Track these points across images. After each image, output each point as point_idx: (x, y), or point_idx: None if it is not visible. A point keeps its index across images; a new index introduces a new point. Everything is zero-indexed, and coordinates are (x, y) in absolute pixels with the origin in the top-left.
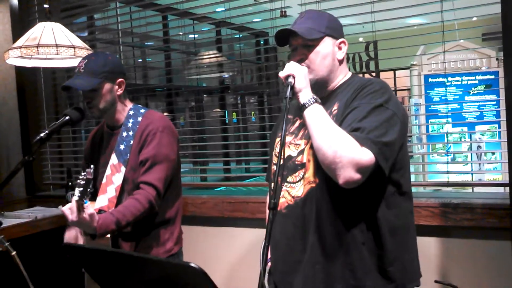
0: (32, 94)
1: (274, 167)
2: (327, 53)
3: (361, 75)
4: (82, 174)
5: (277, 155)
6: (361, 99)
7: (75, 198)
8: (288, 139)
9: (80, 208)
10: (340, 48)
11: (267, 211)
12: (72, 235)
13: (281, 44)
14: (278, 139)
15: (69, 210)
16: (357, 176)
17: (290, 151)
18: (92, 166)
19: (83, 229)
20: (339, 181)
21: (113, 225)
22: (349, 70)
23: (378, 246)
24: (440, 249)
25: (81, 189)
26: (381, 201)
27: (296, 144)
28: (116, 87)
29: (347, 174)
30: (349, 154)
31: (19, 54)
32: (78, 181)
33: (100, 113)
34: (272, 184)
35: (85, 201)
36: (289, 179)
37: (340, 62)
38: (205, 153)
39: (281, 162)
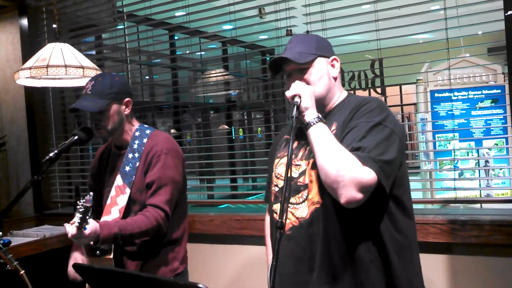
0: (41, 113)
1: (275, 188)
2: (322, 73)
3: (357, 93)
4: (81, 201)
5: (278, 176)
6: (358, 118)
7: (76, 224)
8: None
9: (81, 232)
10: (333, 66)
11: (266, 231)
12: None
13: (275, 72)
14: (277, 160)
15: (70, 226)
16: (359, 195)
17: (291, 172)
18: (91, 193)
19: (86, 242)
20: (341, 201)
21: (116, 228)
22: (355, 87)
23: (384, 263)
24: (448, 266)
25: (81, 216)
26: (384, 218)
27: (297, 165)
28: (124, 107)
29: (348, 194)
30: (351, 173)
31: (29, 74)
32: (78, 207)
33: (108, 134)
34: (275, 205)
35: (85, 227)
36: (292, 200)
37: (335, 79)
38: (212, 170)
39: (287, 183)
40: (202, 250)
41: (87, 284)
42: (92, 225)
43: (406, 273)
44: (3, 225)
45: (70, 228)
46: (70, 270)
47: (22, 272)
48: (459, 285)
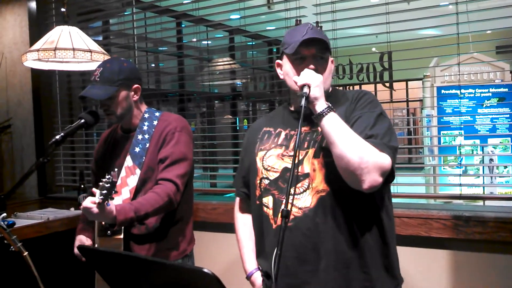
0: (47, 97)
1: (264, 181)
2: (332, 67)
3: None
4: (107, 177)
5: (268, 168)
6: (361, 108)
7: (97, 200)
8: (278, 151)
9: (102, 209)
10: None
11: (238, 226)
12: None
13: (293, 52)
14: (262, 152)
15: (86, 209)
16: (380, 179)
17: (285, 163)
18: (116, 169)
19: (102, 220)
20: (364, 186)
21: (131, 212)
22: (363, 80)
23: (384, 245)
24: (450, 262)
25: (105, 191)
26: (382, 203)
27: (290, 156)
28: (132, 93)
29: (372, 178)
30: (374, 159)
31: (36, 57)
32: (102, 183)
33: (117, 119)
34: (265, 198)
35: (107, 203)
36: (292, 190)
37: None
38: (216, 159)
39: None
40: (205, 238)
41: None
42: (110, 206)
43: (396, 256)
44: (7, 207)
45: (89, 203)
46: (76, 250)
47: (26, 253)
48: (461, 280)
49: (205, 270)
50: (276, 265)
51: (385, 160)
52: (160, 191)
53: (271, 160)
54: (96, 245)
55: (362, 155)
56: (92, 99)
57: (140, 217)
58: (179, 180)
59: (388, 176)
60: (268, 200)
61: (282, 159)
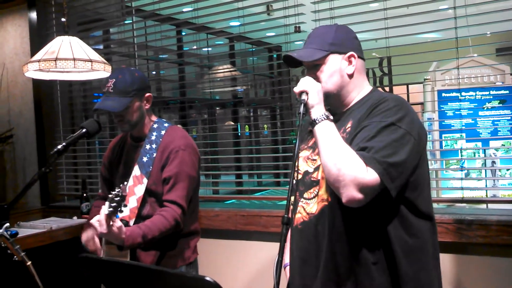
0: (49, 106)
1: (294, 181)
2: (334, 70)
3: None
4: (117, 190)
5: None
6: (372, 117)
7: (106, 211)
8: (306, 153)
9: (110, 221)
10: (350, 62)
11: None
12: (89, 236)
13: (293, 66)
14: (300, 153)
15: (98, 222)
16: (359, 196)
17: (308, 166)
18: (125, 183)
19: (110, 240)
20: (342, 200)
21: (139, 238)
22: None
23: (391, 266)
24: (454, 266)
25: (114, 204)
26: (393, 220)
27: (313, 160)
28: (145, 102)
29: (349, 193)
30: (352, 172)
31: (37, 67)
32: (111, 196)
33: (130, 128)
34: (296, 197)
35: (116, 215)
36: (305, 195)
37: (350, 76)
38: (217, 166)
39: (294, 177)
40: (208, 245)
41: None
42: (120, 225)
43: (416, 278)
44: (10, 216)
45: (97, 219)
46: (84, 239)
47: (29, 263)
48: (465, 284)
49: (207, 279)
50: (278, 273)
51: (367, 176)
52: (167, 214)
53: (300, 161)
54: (103, 252)
55: (340, 167)
56: (107, 111)
57: (147, 241)
58: (184, 202)
59: (386, 192)
60: (293, 199)
61: (306, 162)
